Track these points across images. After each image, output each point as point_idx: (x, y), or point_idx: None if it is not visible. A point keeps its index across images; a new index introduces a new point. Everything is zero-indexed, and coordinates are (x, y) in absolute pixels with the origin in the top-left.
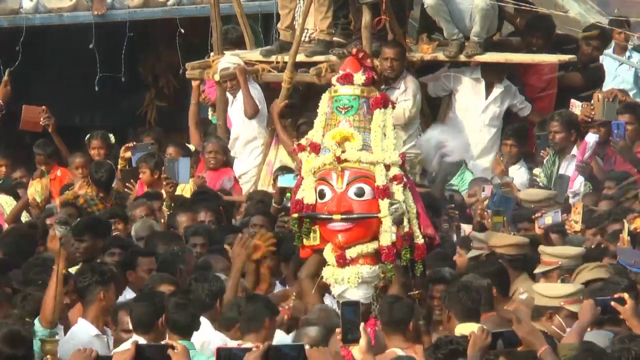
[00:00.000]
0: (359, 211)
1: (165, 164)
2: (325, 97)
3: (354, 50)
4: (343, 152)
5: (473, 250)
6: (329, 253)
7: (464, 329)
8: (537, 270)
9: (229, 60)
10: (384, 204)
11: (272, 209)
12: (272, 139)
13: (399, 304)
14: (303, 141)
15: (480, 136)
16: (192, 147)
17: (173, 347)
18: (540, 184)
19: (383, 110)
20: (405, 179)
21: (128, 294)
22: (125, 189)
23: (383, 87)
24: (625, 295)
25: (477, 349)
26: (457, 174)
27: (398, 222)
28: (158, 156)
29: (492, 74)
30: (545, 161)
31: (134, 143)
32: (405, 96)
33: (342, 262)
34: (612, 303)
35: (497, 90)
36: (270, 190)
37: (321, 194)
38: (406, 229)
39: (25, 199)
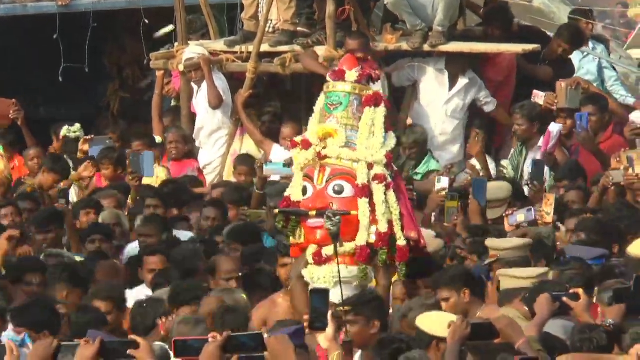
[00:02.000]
0: (338, 208)
1: (130, 159)
2: (322, 94)
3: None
4: (324, 148)
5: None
6: (309, 251)
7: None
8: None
9: (193, 51)
10: (362, 202)
11: (253, 195)
12: (237, 129)
13: None
14: (298, 138)
15: (443, 127)
16: (158, 138)
17: (137, 345)
18: (507, 175)
19: (374, 108)
20: (388, 179)
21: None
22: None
23: None
24: (580, 291)
25: (457, 339)
26: (423, 162)
27: (334, 236)
28: (119, 151)
29: (456, 66)
30: (511, 152)
31: (92, 136)
32: (373, 87)
33: (318, 259)
34: (565, 299)
35: (461, 82)
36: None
37: (304, 191)
38: (384, 231)
39: None
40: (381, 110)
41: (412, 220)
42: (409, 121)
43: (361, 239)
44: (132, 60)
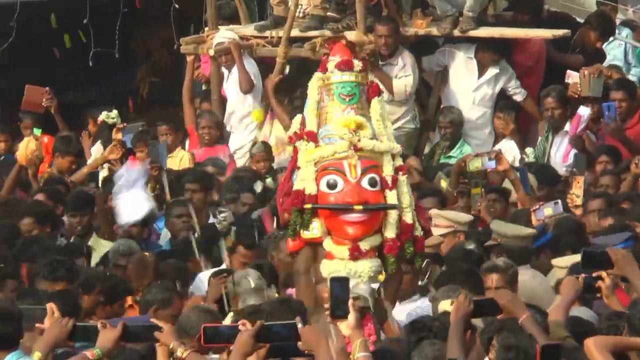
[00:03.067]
0: (373, 201)
1: (149, 148)
2: (314, 84)
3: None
4: (359, 140)
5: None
6: (336, 246)
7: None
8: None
9: (223, 35)
10: (392, 194)
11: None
12: (267, 113)
13: None
14: (294, 131)
15: (470, 114)
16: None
17: (160, 328)
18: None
19: (378, 98)
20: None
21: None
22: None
23: (380, 63)
24: (604, 274)
25: (460, 316)
26: (457, 146)
27: (225, 233)
28: (153, 135)
29: (487, 54)
30: (539, 140)
31: (125, 124)
32: (404, 72)
33: (357, 254)
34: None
35: (491, 71)
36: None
37: (331, 185)
38: (410, 222)
39: (18, 165)
40: (382, 99)
41: (421, 208)
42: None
43: (391, 232)
44: (162, 45)
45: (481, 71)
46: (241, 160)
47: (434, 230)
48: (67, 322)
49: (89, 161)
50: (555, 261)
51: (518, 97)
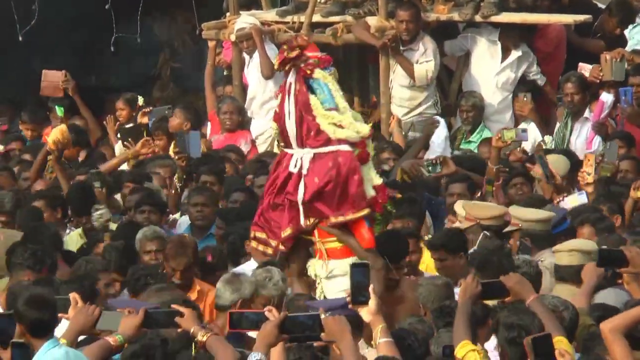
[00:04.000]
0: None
1: (177, 138)
2: (332, 79)
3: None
4: None
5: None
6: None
7: None
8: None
9: (245, 21)
10: None
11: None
12: None
13: None
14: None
15: (492, 98)
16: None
17: (181, 314)
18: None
19: None
20: None
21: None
22: (124, 147)
23: (402, 48)
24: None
25: (468, 297)
26: (477, 130)
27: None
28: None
29: (509, 38)
30: (557, 126)
31: (151, 108)
32: (425, 57)
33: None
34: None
35: (514, 55)
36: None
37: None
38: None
39: (45, 149)
40: None
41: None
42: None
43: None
44: (183, 30)
45: (504, 54)
46: (263, 146)
47: (459, 226)
48: (93, 310)
49: (116, 149)
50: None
51: (538, 82)
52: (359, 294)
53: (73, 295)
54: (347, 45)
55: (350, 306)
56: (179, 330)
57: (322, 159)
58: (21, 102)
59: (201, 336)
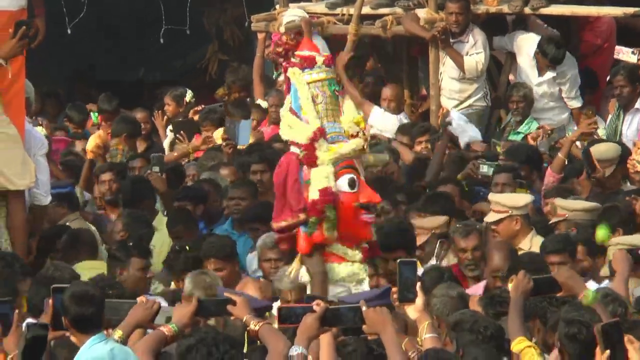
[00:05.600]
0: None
1: (226, 125)
2: (301, 80)
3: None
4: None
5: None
6: (349, 249)
7: None
8: (553, 221)
9: (294, 13)
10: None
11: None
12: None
13: None
14: (309, 131)
15: (539, 99)
16: (263, 103)
17: (234, 302)
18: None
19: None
20: None
21: None
22: (176, 140)
23: (451, 41)
24: None
25: (520, 293)
26: (525, 122)
27: None
28: (222, 114)
29: (541, 60)
30: (609, 117)
31: (203, 106)
32: (475, 49)
33: (372, 255)
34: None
35: (548, 74)
36: None
37: (352, 183)
38: None
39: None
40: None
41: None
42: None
43: None
44: (232, 22)
45: (540, 70)
46: None
47: (490, 217)
48: (152, 304)
49: (164, 142)
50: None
51: (573, 104)
52: (406, 291)
53: (141, 299)
54: (396, 38)
55: (397, 303)
56: (232, 318)
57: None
58: (70, 94)
59: (253, 325)
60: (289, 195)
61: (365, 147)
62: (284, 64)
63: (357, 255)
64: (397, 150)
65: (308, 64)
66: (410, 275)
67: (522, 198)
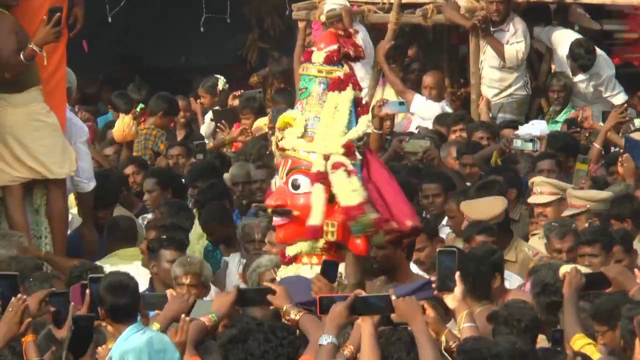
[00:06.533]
0: (293, 205)
1: (272, 114)
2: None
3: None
4: (282, 139)
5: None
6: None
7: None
8: (565, 213)
9: (335, 2)
10: (316, 187)
11: (371, 136)
12: (379, 79)
13: None
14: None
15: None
16: None
17: (273, 291)
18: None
19: (338, 93)
20: (349, 167)
21: None
22: (217, 129)
23: (492, 29)
24: None
25: (573, 289)
26: (564, 111)
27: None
28: (262, 102)
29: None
30: None
31: (242, 91)
32: (516, 38)
33: (283, 259)
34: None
35: (580, 77)
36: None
37: (295, 185)
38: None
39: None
40: (347, 95)
41: (404, 205)
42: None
43: (313, 220)
44: (273, 10)
45: (573, 73)
46: None
47: (539, 198)
48: (188, 297)
49: (202, 130)
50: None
51: (617, 100)
52: (447, 280)
53: (170, 292)
54: (437, 26)
55: (436, 292)
56: (271, 307)
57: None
58: (112, 82)
59: (294, 315)
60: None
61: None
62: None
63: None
64: (439, 134)
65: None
66: (449, 265)
67: (602, 194)
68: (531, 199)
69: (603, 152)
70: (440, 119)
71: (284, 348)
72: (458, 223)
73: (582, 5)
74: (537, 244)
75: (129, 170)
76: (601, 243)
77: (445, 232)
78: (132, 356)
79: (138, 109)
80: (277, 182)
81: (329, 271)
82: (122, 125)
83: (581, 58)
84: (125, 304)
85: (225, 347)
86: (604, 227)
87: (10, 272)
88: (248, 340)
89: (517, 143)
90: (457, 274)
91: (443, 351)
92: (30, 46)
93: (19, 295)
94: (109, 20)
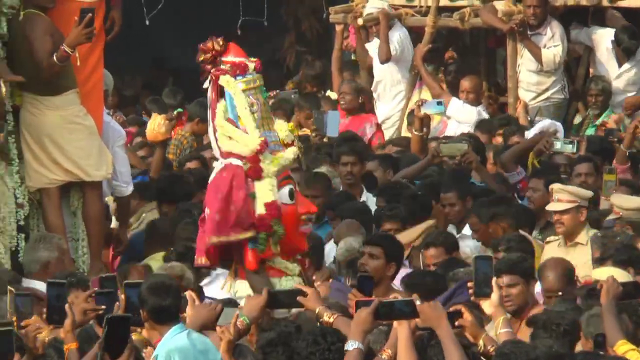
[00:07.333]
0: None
1: (315, 116)
2: (236, 88)
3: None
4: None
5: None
6: (289, 262)
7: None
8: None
9: (373, 5)
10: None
11: (412, 138)
12: (416, 82)
13: None
14: (253, 146)
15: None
16: (333, 94)
17: (304, 293)
18: None
19: None
20: None
21: None
22: None
23: (529, 33)
24: None
25: (611, 298)
26: (603, 115)
27: None
28: (294, 103)
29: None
30: None
31: (277, 91)
32: (553, 41)
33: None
34: None
35: (626, 66)
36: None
37: (292, 194)
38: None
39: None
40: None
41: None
42: None
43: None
44: (310, 13)
45: (619, 62)
46: (390, 130)
47: (556, 205)
48: (215, 306)
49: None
50: None
51: None
52: (483, 286)
53: (189, 294)
54: (474, 29)
55: (472, 298)
56: (303, 310)
57: (219, 172)
58: (150, 85)
59: (327, 317)
60: (240, 209)
61: (300, 155)
62: (212, 71)
63: (297, 268)
64: (476, 139)
65: (240, 70)
66: (486, 271)
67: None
68: (549, 207)
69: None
70: (482, 126)
71: (331, 353)
72: (483, 235)
73: (619, 9)
74: (553, 251)
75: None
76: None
77: (466, 242)
78: (178, 355)
79: (175, 113)
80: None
81: (364, 285)
82: (154, 124)
83: (625, 42)
84: (169, 305)
85: (264, 349)
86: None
87: (58, 280)
88: (290, 343)
89: (557, 145)
90: (494, 280)
91: (480, 355)
92: (63, 47)
93: (34, 318)
94: (147, 23)
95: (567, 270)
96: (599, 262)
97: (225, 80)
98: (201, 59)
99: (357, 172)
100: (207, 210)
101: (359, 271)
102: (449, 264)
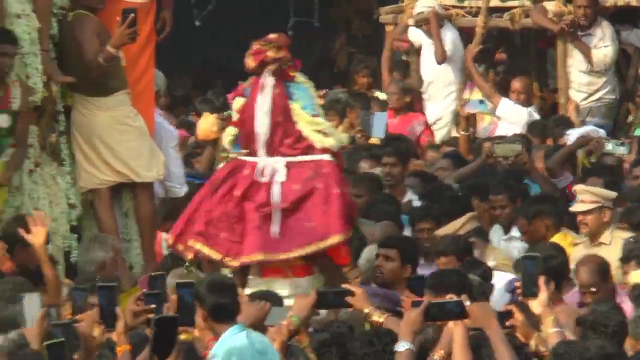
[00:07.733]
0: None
1: (361, 117)
2: (310, 83)
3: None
4: None
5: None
6: None
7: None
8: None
9: (424, 4)
10: None
11: (460, 138)
12: (466, 83)
13: None
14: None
15: None
16: (382, 95)
17: (353, 293)
18: None
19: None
20: None
21: None
22: None
23: (579, 33)
24: None
25: None
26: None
27: None
28: (345, 103)
29: None
30: None
31: (326, 91)
32: (604, 42)
33: None
34: None
35: None
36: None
37: None
38: None
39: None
40: None
41: None
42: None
43: None
44: (361, 14)
45: None
46: (441, 131)
47: (579, 206)
48: (264, 304)
49: None
50: None
51: None
52: (531, 286)
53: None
54: (524, 30)
55: (520, 298)
56: (350, 310)
57: (299, 167)
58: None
59: (377, 317)
60: (341, 206)
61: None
62: (284, 68)
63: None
64: (528, 140)
65: (298, 68)
66: (533, 270)
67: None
68: (573, 208)
69: None
70: (533, 129)
71: (386, 355)
72: (532, 237)
73: None
74: (580, 252)
75: None
76: None
77: (513, 243)
78: (236, 355)
79: (225, 113)
80: None
81: (415, 286)
82: (206, 123)
83: None
84: (228, 303)
85: (318, 350)
86: None
87: (109, 283)
88: (344, 343)
89: (609, 146)
90: (542, 279)
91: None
92: (107, 48)
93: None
94: (197, 24)
95: (600, 266)
96: (623, 261)
97: (302, 79)
98: (278, 55)
99: (397, 173)
100: (284, 203)
101: (375, 275)
102: (471, 264)
